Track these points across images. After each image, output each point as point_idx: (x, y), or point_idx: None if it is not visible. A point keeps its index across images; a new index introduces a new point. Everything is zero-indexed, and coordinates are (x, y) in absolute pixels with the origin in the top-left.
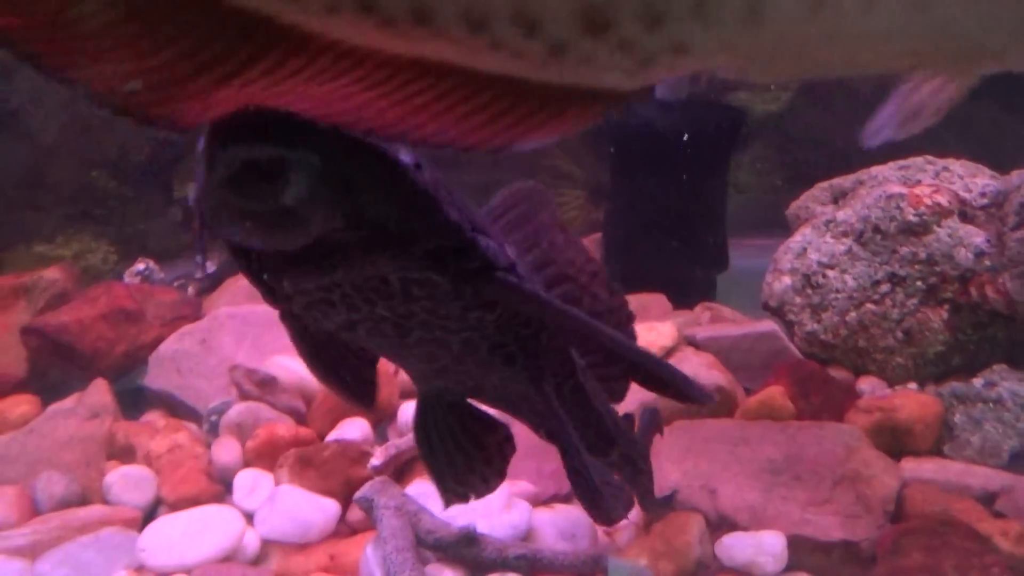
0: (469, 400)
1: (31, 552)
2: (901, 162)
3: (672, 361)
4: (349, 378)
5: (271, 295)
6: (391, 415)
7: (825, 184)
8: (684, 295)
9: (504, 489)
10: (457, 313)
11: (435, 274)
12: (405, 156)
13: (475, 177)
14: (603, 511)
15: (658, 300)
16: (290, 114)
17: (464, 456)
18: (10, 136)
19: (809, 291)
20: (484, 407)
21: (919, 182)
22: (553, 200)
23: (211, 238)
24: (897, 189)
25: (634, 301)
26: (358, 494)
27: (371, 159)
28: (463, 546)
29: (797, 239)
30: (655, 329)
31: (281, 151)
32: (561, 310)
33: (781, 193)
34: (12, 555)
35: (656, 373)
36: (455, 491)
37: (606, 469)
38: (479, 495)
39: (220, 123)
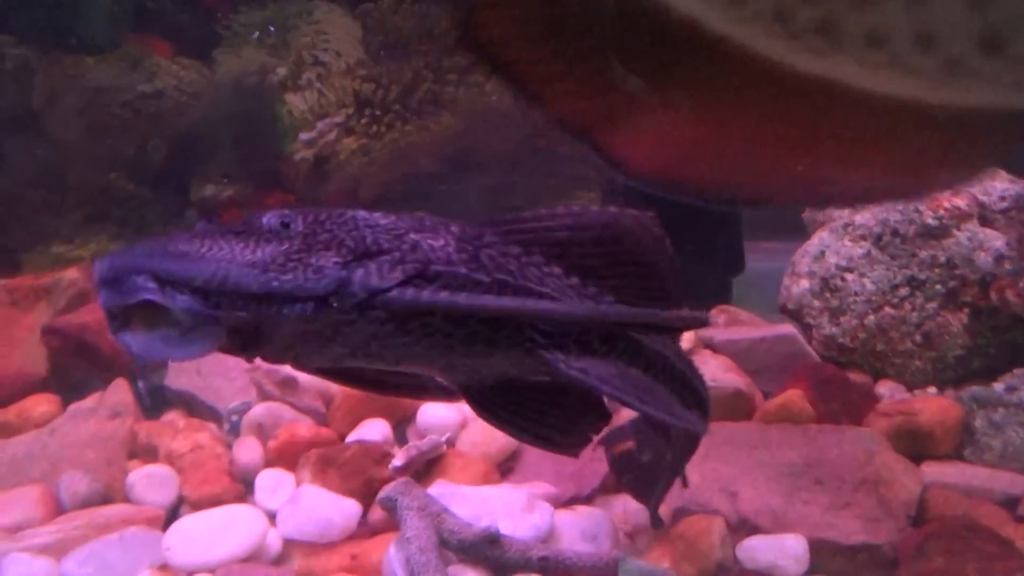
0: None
1: (57, 550)
2: None
3: None
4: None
5: (262, 360)
6: (410, 416)
7: None
8: (699, 298)
9: (524, 490)
10: (395, 330)
11: (340, 315)
12: (269, 219)
13: (493, 180)
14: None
15: None
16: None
17: (559, 410)
18: (29, 137)
19: (827, 294)
20: None
21: None
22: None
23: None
24: None
25: None
26: (381, 494)
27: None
28: (486, 547)
29: (815, 242)
30: None
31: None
32: (466, 303)
33: None
34: (38, 553)
35: (623, 321)
36: (569, 443)
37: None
38: (597, 432)
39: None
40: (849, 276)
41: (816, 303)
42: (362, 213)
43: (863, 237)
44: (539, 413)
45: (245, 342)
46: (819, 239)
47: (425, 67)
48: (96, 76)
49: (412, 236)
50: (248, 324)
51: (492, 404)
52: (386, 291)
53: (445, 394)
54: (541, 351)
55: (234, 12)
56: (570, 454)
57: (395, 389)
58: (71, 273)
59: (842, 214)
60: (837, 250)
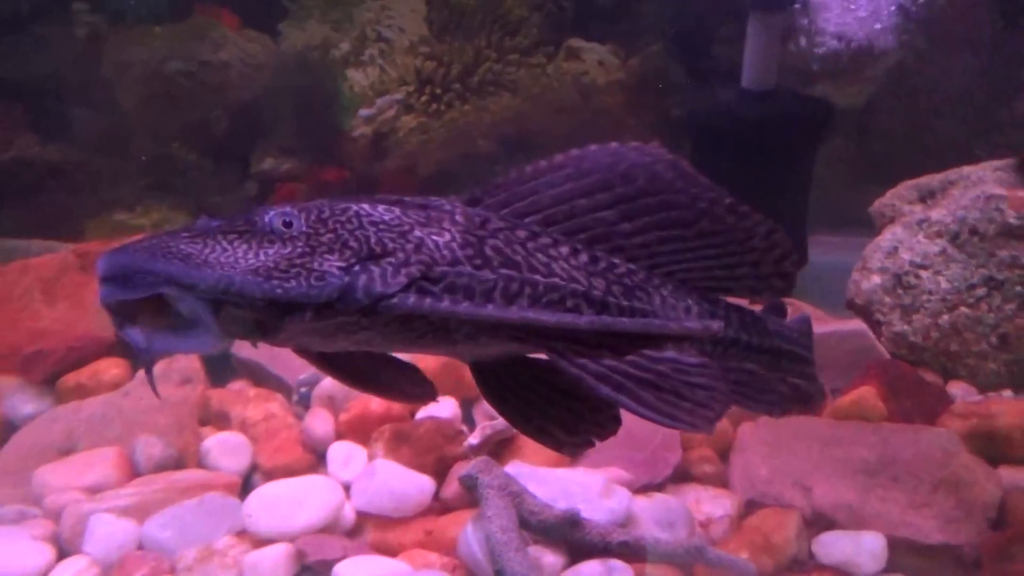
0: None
1: (137, 512)
2: (996, 163)
3: None
4: (389, 381)
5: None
6: (478, 395)
7: (911, 182)
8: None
9: (601, 475)
10: (400, 328)
11: (343, 317)
12: (272, 218)
13: None
14: (698, 425)
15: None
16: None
17: (567, 409)
18: (94, 108)
19: (900, 291)
20: None
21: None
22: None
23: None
24: (997, 190)
25: None
26: (462, 472)
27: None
28: (567, 529)
29: (887, 238)
30: None
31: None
32: (465, 311)
33: (859, 189)
34: (120, 515)
35: (628, 333)
36: (573, 442)
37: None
38: (602, 437)
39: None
40: (923, 273)
41: (887, 300)
42: (366, 207)
43: (939, 234)
44: (547, 405)
45: (249, 335)
46: (892, 234)
47: (487, 46)
48: (162, 46)
49: (416, 233)
50: (253, 321)
51: (500, 387)
52: (390, 296)
53: (414, 398)
54: (540, 343)
55: None
56: (568, 454)
57: (371, 386)
58: (139, 238)
59: (914, 209)
60: (911, 246)
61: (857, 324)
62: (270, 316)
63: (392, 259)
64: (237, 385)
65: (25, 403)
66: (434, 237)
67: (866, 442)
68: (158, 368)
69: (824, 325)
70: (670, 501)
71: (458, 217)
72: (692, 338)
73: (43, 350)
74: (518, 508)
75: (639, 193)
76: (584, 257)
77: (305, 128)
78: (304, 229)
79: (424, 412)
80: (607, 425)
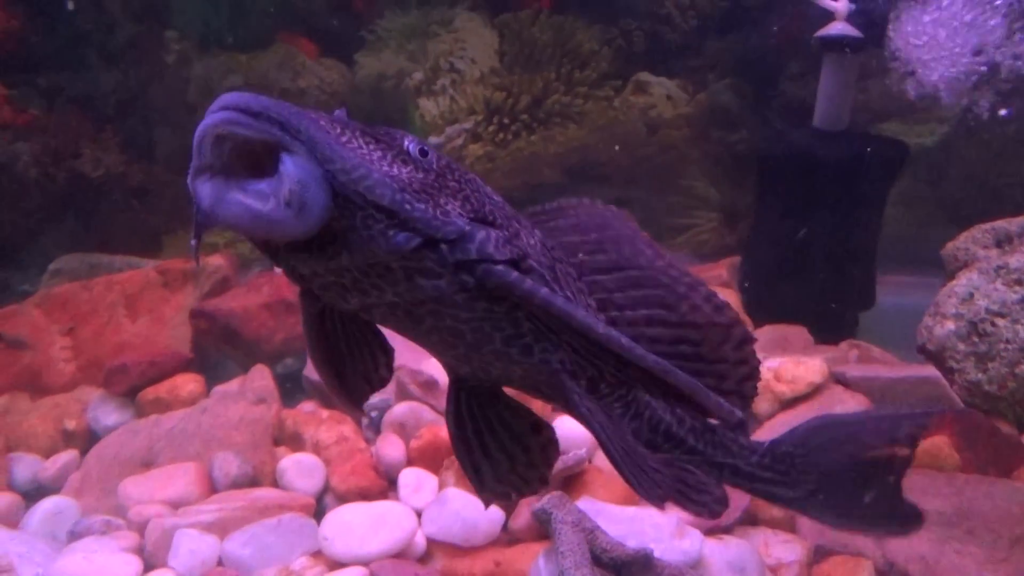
0: (505, 389)
1: (218, 528)
2: None
3: (822, 399)
4: (348, 373)
5: (288, 273)
6: None
7: (987, 225)
8: (825, 329)
9: (673, 515)
10: (463, 302)
11: (431, 263)
12: (410, 143)
13: (612, 193)
14: (645, 493)
15: (799, 333)
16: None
17: (507, 456)
18: (182, 127)
19: (975, 339)
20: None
21: None
22: (634, 220)
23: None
24: None
25: (774, 332)
26: (536, 506)
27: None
28: (638, 568)
29: (962, 283)
30: (803, 364)
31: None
32: (562, 308)
33: (928, 230)
34: (203, 530)
35: (674, 384)
36: (495, 490)
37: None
38: (520, 495)
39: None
40: (1000, 322)
41: (961, 347)
42: (479, 178)
43: (1018, 282)
44: (495, 444)
45: (312, 244)
46: (967, 280)
47: (556, 79)
48: (245, 72)
49: (516, 224)
50: (338, 228)
51: (467, 410)
52: (496, 262)
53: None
54: (564, 375)
55: (379, 17)
56: (484, 500)
57: (348, 391)
58: (215, 259)
59: (990, 254)
60: (988, 293)
61: (929, 370)
62: (377, 226)
63: (502, 232)
64: (308, 406)
65: (108, 414)
66: (526, 236)
67: (940, 492)
68: (234, 386)
69: (894, 370)
70: (742, 545)
71: (537, 232)
72: (720, 415)
73: (126, 364)
74: (591, 544)
75: (625, 263)
76: (592, 301)
77: None
78: (436, 167)
79: None
80: (532, 484)
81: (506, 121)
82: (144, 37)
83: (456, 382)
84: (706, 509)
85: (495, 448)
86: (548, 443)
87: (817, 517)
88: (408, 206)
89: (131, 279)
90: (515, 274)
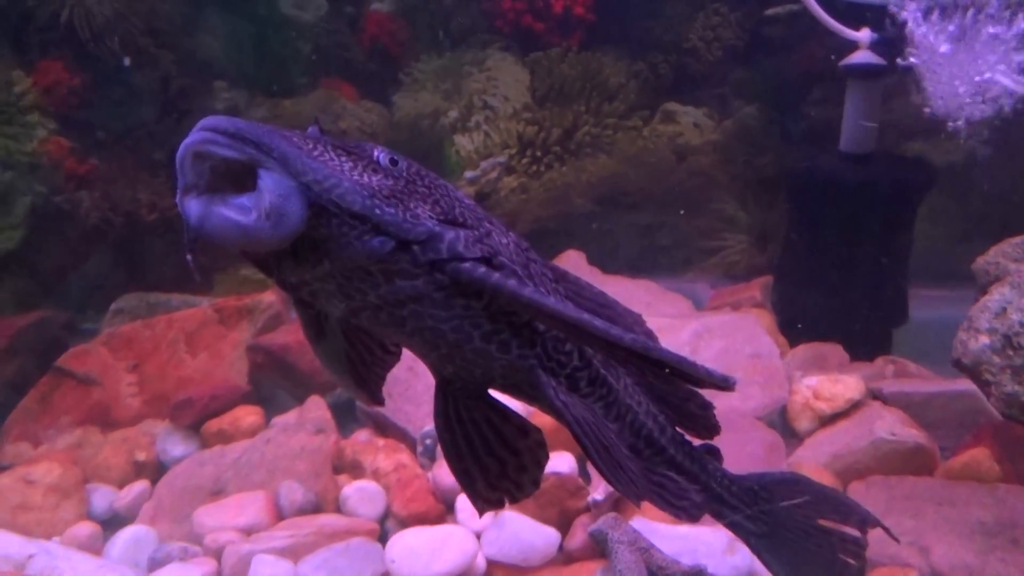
0: (492, 392)
1: (291, 553)
2: None
3: (860, 415)
4: (358, 368)
5: (280, 284)
6: None
7: (1017, 240)
8: (859, 346)
9: (724, 532)
10: (441, 301)
11: (406, 264)
12: (380, 153)
13: (643, 220)
14: (623, 488)
15: (835, 350)
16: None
17: (496, 460)
18: None
19: (1010, 352)
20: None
21: None
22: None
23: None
24: None
25: (810, 350)
26: (593, 527)
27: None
28: None
29: (995, 298)
30: (841, 381)
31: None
32: (531, 297)
33: (957, 245)
34: (277, 555)
35: (662, 361)
36: (488, 498)
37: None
38: (514, 500)
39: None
40: None
41: (997, 360)
42: (449, 184)
43: None
44: (485, 449)
45: (297, 253)
46: (1000, 295)
47: (586, 111)
48: (290, 117)
49: (487, 224)
50: (317, 237)
51: (455, 414)
52: (464, 260)
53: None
54: (540, 371)
55: (415, 60)
56: (478, 509)
57: (361, 384)
58: (268, 296)
59: (1021, 268)
60: (1021, 307)
61: (966, 384)
62: (347, 233)
63: (471, 233)
64: (363, 435)
65: (175, 446)
66: (498, 235)
67: (982, 503)
68: (292, 417)
69: (931, 384)
70: None
71: (511, 233)
72: (714, 385)
73: (191, 398)
74: (647, 562)
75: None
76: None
77: None
78: (405, 174)
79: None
80: (525, 489)
81: (539, 154)
82: (194, 87)
83: (443, 385)
84: (684, 512)
85: (484, 452)
86: (537, 446)
87: (768, 565)
88: (378, 211)
89: (190, 317)
90: (483, 269)
